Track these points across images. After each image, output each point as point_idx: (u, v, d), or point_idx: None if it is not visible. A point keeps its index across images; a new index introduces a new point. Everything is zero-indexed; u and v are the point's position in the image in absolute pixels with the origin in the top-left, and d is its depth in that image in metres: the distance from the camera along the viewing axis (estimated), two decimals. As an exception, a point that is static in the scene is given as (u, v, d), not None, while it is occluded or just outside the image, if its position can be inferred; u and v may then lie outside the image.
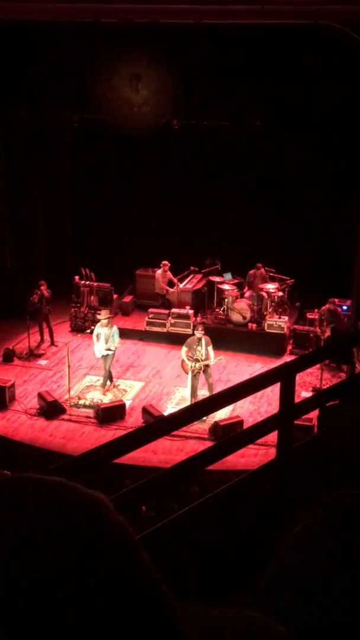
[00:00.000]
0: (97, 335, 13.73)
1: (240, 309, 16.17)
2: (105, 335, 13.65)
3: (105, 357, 13.76)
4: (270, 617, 0.91)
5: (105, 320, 13.70)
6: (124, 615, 0.65)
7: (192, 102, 15.65)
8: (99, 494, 0.72)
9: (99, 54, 15.45)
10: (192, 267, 17.34)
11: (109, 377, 14.09)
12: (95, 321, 14.85)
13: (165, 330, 16.29)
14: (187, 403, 12.69)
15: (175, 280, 17.04)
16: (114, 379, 14.33)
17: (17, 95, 16.04)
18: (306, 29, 13.66)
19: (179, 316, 16.29)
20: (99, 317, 14.00)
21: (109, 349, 13.71)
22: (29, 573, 0.64)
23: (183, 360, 13.47)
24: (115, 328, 13.89)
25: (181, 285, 17.10)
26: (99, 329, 13.76)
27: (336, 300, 15.48)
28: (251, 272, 16.94)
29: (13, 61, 15.50)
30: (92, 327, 14.43)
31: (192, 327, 15.55)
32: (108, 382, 14.12)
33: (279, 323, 15.88)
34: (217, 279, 17.04)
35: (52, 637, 0.62)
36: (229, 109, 15.50)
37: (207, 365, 13.30)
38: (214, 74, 15.18)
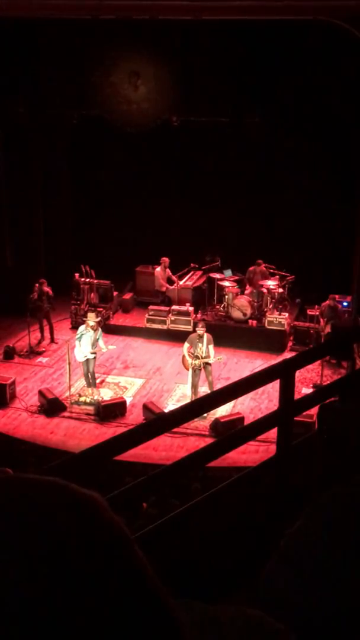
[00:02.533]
0: (79, 339, 13.53)
1: (240, 306, 16.17)
2: (90, 339, 13.53)
3: (88, 360, 13.67)
4: (269, 613, 0.92)
5: (94, 323, 13.61)
6: (119, 614, 0.65)
7: (191, 98, 15.63)
8: (94, 493, 0.72)
9: (98, 50, 15.43)
10: (192, 264, 17.34)
11: (92, 377, 13.94)
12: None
13: (165, 327, 16.29)
14: (188, 400, 12.69)
15: (174, 277, 17.03)
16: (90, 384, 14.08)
17: (16, 92, 16.02)
18: (306, 25, 13.64)
19: (179, 313, 16.29)
20: (86, 320, 13.87)
21: (94, 353, 13.61)
22: (23, 573, 0.64)
23: (184, 356, 13.47)
24: (100, 331, 13.81)
25: (181, 282, 17.09)
26: (83, 332, 13.57)
27: (336, 296, 15.48)
28: (251, 268, 16.93)
29: (12, 58, 15.48)
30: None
31: (192, 324, 15.55)
32: (88, 381, 13.95)
33: (279, 319, 15.88)
34: (217, 275, 17.03)
35: (47, 638, 0.62)
36: (228, 106, 15.48)
37: (207, 363, 13.30)
38: (213, 71, 15.16)
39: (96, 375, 14.12)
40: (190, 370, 13.30)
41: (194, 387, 13.28)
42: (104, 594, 0.65)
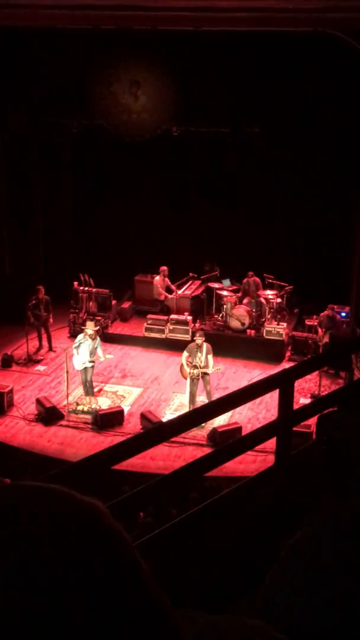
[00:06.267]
0: (77, 347, 13.54)
1: (238, 315, 16.18)
2: (89, 347, 13.53)
3: (86, 369, 13.66)
4: (269, 623, 0.91)
5: (93, 332, 13.61)
6: (120, 623, 0.65)
7: (191, 108, 15.67)
8: (95, 501, 0.72)
9: (98, 60, 15.48)
10: (191, 274, 17.37)
11: (90, 386, 13.94)
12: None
13: (164, 336, 16.28)
14: (186, 409, 12.68)
15: (173, 286, 17.04)
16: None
17: (16, 101, 16.06)
18: (306, 37, 13.70)
19: (178, 322, 16.29)
20: (84, 329, 13.87)
21: (92, 362, 13.62)
22: (24, 581, 0.63)
23: (182, 366, 13.46)
24: (98, 340, 13.82)
25: (180, 292, 17.11)
26: (81, 340, 13.58)
27: (335, 306, 15.49)
28: (244, 280, 16.95)
29: (12, 67, 15.53)
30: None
31: (190, 333, 15.55)
32: (86, 389, 13.95)
33: (277, 329, 15.88)
34: (215, 285, 17.05)
35: None
36: (228, 116, 15.53)
37: (205, 373, 13.29)
38: (213, 81, 15.21)
39: (94, 384, 14.10)
40: (189, 379, 13.29)
41: (192, 396, 13.26)
42: (104, 600, 0.65)
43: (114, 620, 0.64)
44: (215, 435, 12.30)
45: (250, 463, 10.57)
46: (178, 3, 13.26)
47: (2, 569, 0.64)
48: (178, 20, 13.60)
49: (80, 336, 13.81)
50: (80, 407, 13.68)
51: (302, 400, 12.63)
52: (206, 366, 13.22)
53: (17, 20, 14.00)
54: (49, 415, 13.30)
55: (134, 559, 0.69)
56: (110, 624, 0.64)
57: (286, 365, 14.45)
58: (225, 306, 16.35)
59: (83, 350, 13.51)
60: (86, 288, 17.02)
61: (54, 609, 0.63)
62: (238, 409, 12.08)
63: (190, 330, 15.90)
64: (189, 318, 16.41)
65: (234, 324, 16.21)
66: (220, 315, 16.53)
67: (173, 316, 16.51)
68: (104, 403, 13.96)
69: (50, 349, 16.14)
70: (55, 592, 0.63)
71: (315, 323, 15.58)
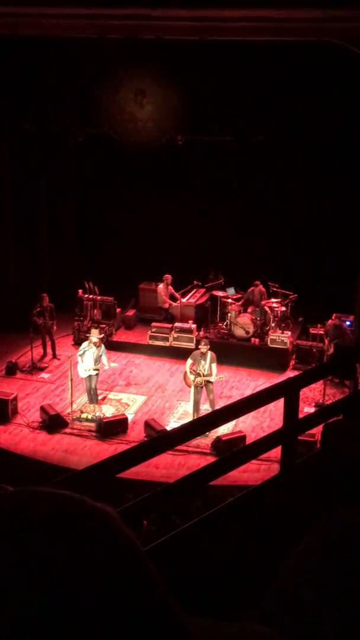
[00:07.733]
0: (82, 355, 13.57)
1: (243, 324, 16.17)
2: (94, 355, 13.54)
3: (90, 377, 13.67)
4: (276, 631, 0.91)
5: (97, 340, 13.63)
6: (132, 628, 0.65)
7: (196, 117, 15.73)
8: (107, 507, 0.72)
9: (104, 69, 15.55)
10: (195, 282, 17.37)
11: (94, 393, 13.94)
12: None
13: (168, 344, 16.29)
14: (190, 418, 12.66)
15: (177, 294, 17.05)
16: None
17: (23, 109, 16.14)
18: (310, 46, 13.76)
19: (182, 330, 16.29)
20: (89, 336, 13.89)
21: (97, 369, 13.62)
22: (36, 585, 0.64)
23: (185, 373, 13.45)
24: (103, 348, 13.83)
25: (184, 300, 17.11)
26: (85, 348, 13.59)
27: (341, 316, 15.48)
28: (250, 289, 16.94)
29: (19, 75, 15.61)
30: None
31: (195, 342, 15.55)
32: (90, 397, 13.95)
33: (282, 338, 15.87)
34: (220, 293, 17.06)
35: None
36: (233, 125, 15.57)
37: (208, 381, 13.27)
38: (218, 90, 15.27)
39: (98, 391, 14.10)
40: (192, 387, 13.27)
41: (196, 404, 13.24)
42: (116, 607, 0.65)
43: (127, 626, 0.65)
44: (219, 444, 12.28)
45: (254, 472, 10.55)
46: (183, 13, 13.34)
47: (15, 571, 0.64)
48: (183, 30, 13.68)
49: (84, 344, 13.82)
50: (84, 415, 13.67)
51: (306, 409, 12.60)
52: (210, 374, 13.20)
53: (24, 29, 14.09)
54: (53, 422, 13.29)
55: (145, 565, 0.70)
56: (123, 629, 0.65)
57: (290, 374, 14.43)
58: (229, 314, 16.35)
59: (87, 357, 13.52)
60: (91, 296, 17.04)
61: (66, 613, 0.63)
62: (242, 418, 12.05)
63: (195, 338, 15.90)
64: (193, 326, 16.41)
65: (239, 332, 16.21)
66: (225, 323, 16.53)
67: (177, 324, 16.51)
68: (107, 411, 13.96)
69: (55, 356, 16.15)
70: (67, 596, 0.64)
71: (321, 332, 15.55)
